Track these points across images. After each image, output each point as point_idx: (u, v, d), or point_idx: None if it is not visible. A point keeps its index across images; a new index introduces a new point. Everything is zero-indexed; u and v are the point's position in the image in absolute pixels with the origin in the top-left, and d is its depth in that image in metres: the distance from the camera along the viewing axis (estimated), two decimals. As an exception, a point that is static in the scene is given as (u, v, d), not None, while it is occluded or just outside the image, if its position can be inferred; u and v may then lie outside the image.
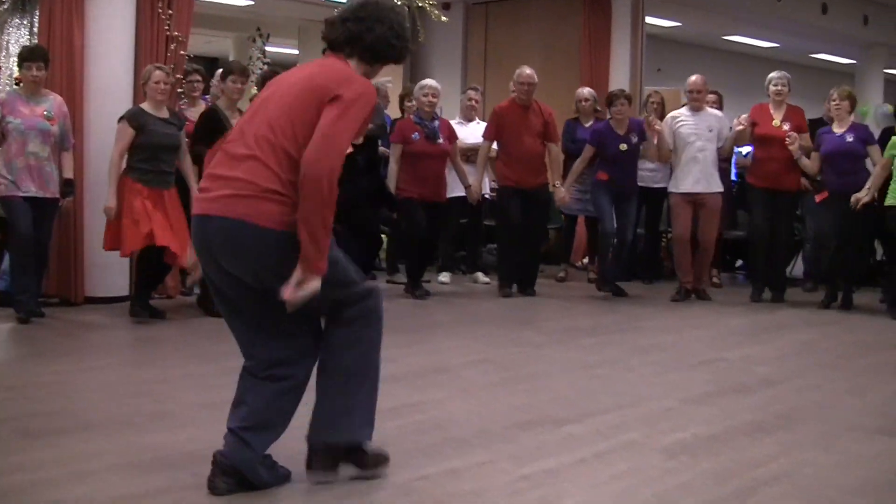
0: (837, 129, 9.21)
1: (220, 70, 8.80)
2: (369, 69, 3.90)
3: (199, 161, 7.85)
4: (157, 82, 7.74)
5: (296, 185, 3.57)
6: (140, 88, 8.10)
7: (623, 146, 9.54)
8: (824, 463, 4.33)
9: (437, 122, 9.46)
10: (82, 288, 8.51)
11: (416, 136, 9.27)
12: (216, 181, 3.71)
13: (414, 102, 9.88)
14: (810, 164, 9.34)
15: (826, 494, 3.92)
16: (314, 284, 3.56)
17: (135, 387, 5.67)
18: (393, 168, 9.34)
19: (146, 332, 7.50)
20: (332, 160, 3.54)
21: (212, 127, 7.90)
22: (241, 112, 8.31)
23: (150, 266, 7.84)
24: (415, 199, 9.27)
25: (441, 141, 9.40)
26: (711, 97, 10.86)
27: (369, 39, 3.84)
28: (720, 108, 10.97)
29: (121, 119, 7.70)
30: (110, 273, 8.52)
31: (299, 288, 3.56)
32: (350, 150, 4.00)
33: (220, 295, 3.87)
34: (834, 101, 9.26)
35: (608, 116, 9.86)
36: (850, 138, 9.07)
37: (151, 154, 7.66)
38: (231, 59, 19.27)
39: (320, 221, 3.53)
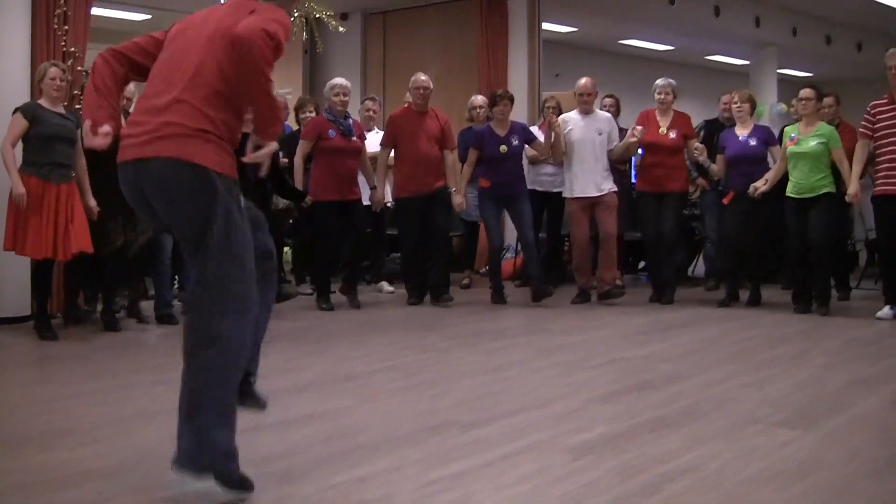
0: (740, 132, 9.40)
1: None
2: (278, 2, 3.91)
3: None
4: (52, 79, 7.63)
5: (227, 122, 3.62)
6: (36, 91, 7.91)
7: (503, 147, 9.56)
8: (728, 455, 4.37)
9: (350, 120, 9.42)
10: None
11: (332, 132, 9.19)
12: (141, 126, 3.69)
13: (308, 114, 10.03)
14: (717, 167, 9.54)
15: (730, 486, 3.96)
16: (272, 146, 3.71)
17: (38, 405, 5.53)
18: (298, 164, 9.23)
19: (48, 349, 7.34)
20: (262, 31, 3.54)
21: None
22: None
23: (48, 280, 7.72)
24: (330, 203, 9.16)
25: (356, 138, 9.37)
26: (608, 101, 10.99)
27: None
28: (618, 111, 11.10)
29: (15, 111, 7.58)
30: (9, 290, 8.32)
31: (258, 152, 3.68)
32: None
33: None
34: (735, 104, 9.48)
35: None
36: (753, 141, 9.31)
37: (46, 145, 7.51)
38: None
39: (261, 86, 3.59)
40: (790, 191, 8.90)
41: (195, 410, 3.66)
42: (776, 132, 9.74)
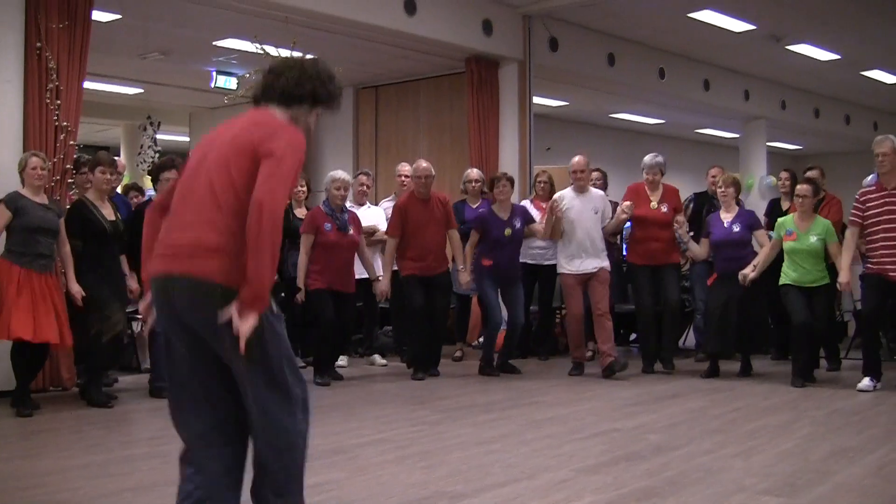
0: (725, 217, 9.58)
1: (89, 161, 8.70)
2: (292, 113, 4.00)
3: (75, 251, 7.99)
4: (33, 168, 7.76)
5: (240, 235, 3.66)
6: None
7: (508, 231, 9.73)
8: (713, 525, 4.44)
9: (346, 214, 9.52)
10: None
11: (328, 226, 9.27)
12: (170, 246, 3.78)
13: (300, 188, 10.27)
14: (698, 249, 9.73)
15: (715, 555, 4.02)
16: (253, 320, 3.58)
17: (28, 479, 5.56)
18: (303, 259, 9.29)
19: (36, 424, 7.36)
20: (278, 194, 3.62)
21: (81, 217, 8.07)
22: (111, 201, 8.39)
23: (25, 357, 7.75)
24: (324, 290, 9.26)
25: (351, 232, 9.46)
26: (596, 174, 11.13)
27: (279, 85, 3.99)
28: (605, 185, 11.24)
29: None
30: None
31: (239, 321, 3.59)
32: None
33: (174, 367, 3.87)
34: (720, 188, 9.66)
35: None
36: (736, 227, 9.52)
37: (28, 236, 7.64)
38: (122, 146, 19.27)
39: (268, 249, 3.59)
40: (789, 281, 9.07)
41: None
42: (765, 205, 9.88)
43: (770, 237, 9.52)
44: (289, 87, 4.00)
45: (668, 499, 4.90)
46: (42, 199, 7.82)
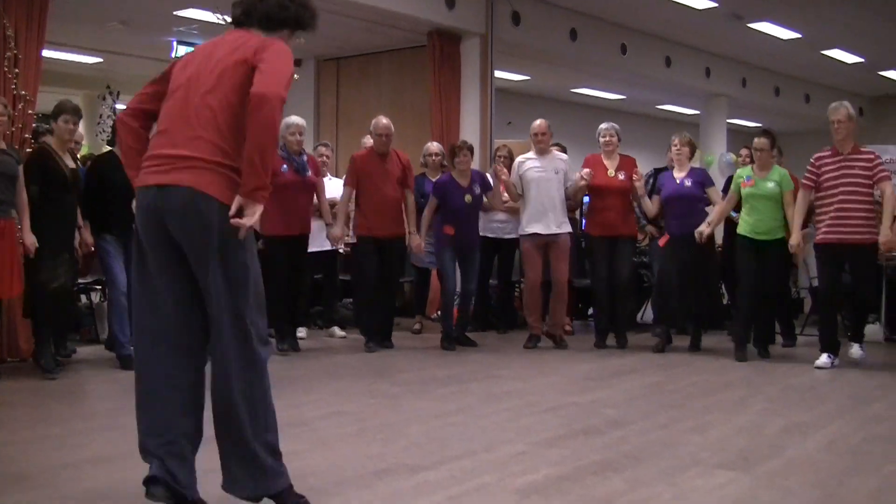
0: (677, 175, 9.61)
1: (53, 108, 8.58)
2: (276, 37, 4.05)
3: (31, 199, 7.81)
4: None
5: (238, 151, 3.78)
6: None
7: (468, 197, 9.75)
8: (668, 497, 4.49)
9: (304, 157, 9.49)
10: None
11: (284, 167, 9.18)
12: (163, 159, 3.85)
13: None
14: (649, 206, 9.74)
15: (669, 527, 4.08)
16: (258, 210, 3.75)
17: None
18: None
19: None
20: (275, 87, 3.72)
21: (40, 163, 7.93)
22: (71, 153, 8.28)
23: None
24: (279, 238, 9.20)
25: (309, 174, 9.44)
26: (555, 149, 11.16)
27: (262, 8, 4.07)
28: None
29: None
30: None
31: (243, 216, 3.75)
32: None
33: (146, 282, 3.98)
34: (675, 146, 9.67)
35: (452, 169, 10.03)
36: (688, 183, 9.50)
37: None
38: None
39: (269, 142, 3.73)
40: (745, 230, 9.10)
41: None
42: (723, 181, 9.91)
43: (723, 197, 9.59)
44: (272, 11, 4.08)
45: (625, 472, 4.95)
46: (0, 144, 7.66)
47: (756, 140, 9.22)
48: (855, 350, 8.96)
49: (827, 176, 8.63)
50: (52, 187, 7.96)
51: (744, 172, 9.26)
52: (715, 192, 9.64)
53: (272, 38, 3.97)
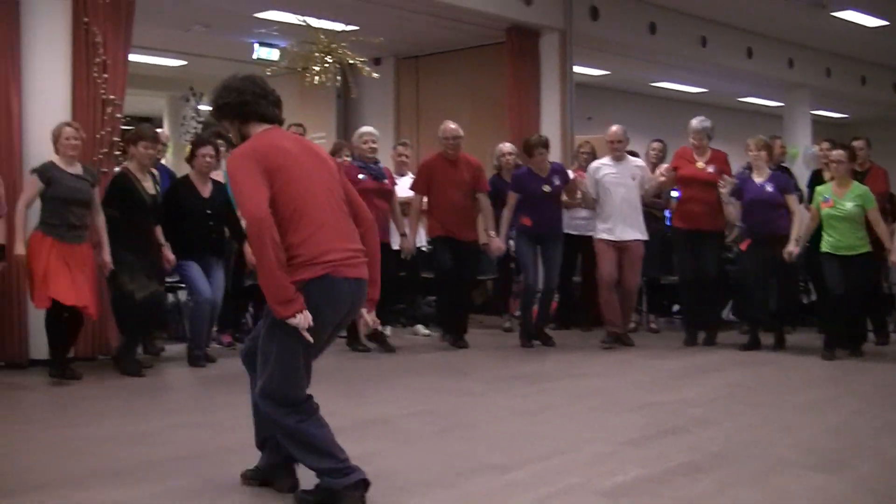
0: (757, 179, 9.44)
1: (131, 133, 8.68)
2: (242, 126, 4.41)
3: (111, 220, 7.99)
4: (66, 138, 7.76)
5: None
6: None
7: (546, 187, 9.63)
8: (759, 500, 4.43)
9: (380, 165, 9.50)
10: (27, 351, 8.43)
11: (362, 176, 9.16)
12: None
13: (345, 159, 9.94)
14: (732, 212, 9.63)
15: (761, 531, 4.01)
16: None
17: (77, 446, 5.60)
18: None
19: (80, 391, 7.43)
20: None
21: (122, 189, 8.12)
22: (152, 175, 8.41)
23: (59, 326, 7.76)
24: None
25: (387, 181, 9.44)
26: (656, 145, 11.09)
27: (219, 104, 4.44)
28: (663, 156, 11.13)
29: (32, 171, 7.72)
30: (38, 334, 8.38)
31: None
32: None
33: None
34: (751, 151, 9.50)
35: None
36: (769, 188, 9.33)
37: (61, 206, 7.63)
38: (165, 118, 19.36)
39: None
40: (827, 248, 8.95)
41: None
42: (808, 175, 9.73)
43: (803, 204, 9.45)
44: (221, 109, 4.45)
45: (714, 473, 4.89)
46: (76, 169, 7.80)
47: (832, 153, 9.04)
48: None
49: None
50: (131, 212, 8.17)
51: (824, 191, 9.07)
52: (792, 199, 9.45)
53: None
